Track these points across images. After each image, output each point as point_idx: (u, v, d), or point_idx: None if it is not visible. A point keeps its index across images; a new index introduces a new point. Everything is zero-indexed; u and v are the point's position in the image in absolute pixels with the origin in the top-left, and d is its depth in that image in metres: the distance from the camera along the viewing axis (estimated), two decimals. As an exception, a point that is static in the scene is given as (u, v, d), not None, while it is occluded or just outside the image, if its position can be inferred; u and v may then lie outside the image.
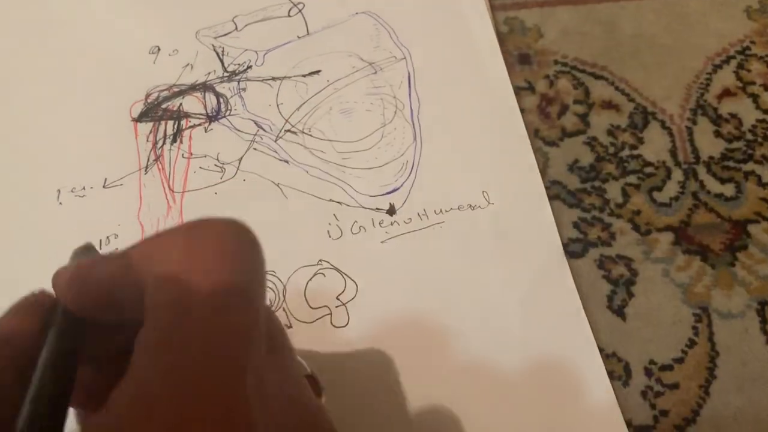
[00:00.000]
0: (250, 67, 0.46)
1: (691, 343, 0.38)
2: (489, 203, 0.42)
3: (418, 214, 0.42)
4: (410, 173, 0.43)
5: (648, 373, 0.37)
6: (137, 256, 0.22)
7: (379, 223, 0.41)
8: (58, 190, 0.42)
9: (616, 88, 0.45)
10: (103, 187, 0.42)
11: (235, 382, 0.19)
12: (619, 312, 0.39)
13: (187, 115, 0.45)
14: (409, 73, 0.46)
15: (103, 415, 0.19)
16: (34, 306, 0.24)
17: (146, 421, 0.18)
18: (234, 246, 0.21)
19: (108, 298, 0.22)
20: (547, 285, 0.39)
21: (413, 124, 0.45)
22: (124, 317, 0.22)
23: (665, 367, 0.37)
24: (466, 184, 0.43)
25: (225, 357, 0.19)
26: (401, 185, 0.43)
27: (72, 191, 0.42)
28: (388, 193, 0.42)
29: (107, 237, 0.41)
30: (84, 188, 0.42)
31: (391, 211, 0.42)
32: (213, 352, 0.19)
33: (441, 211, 0.42)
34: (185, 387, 0.18)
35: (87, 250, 0.36)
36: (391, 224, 0.41)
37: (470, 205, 0.42)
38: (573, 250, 0.40)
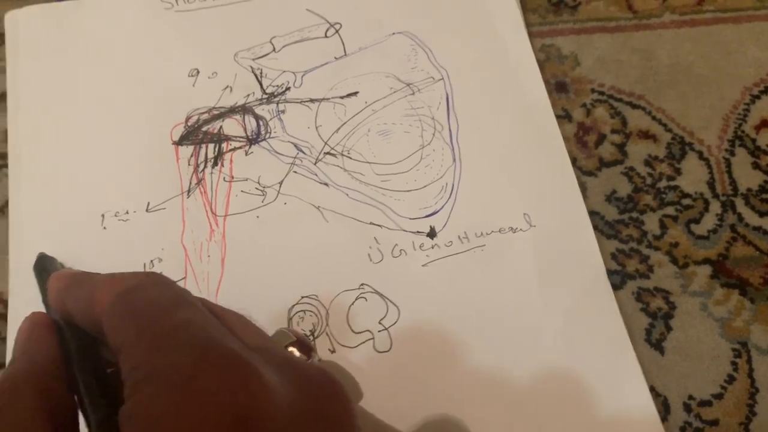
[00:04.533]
0: (288, 88, 0.47)
1: (731, 379, 0.38)
2: (531, 226, 0.42)
3: (459, 237, 0.42)
4: (450, 195, 0.43)
5: (687, 408, 0.38)
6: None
7: (420, 246, 0.42)
8: (102, 215, 0.42)
9: (653, 118, 0.46)
10: (146, 211, 0.42)
11: (235, 354, 0.21)
12: (658, 346, 0.39)
13: (227, 138, 0.45)
14: (447, 94, 0.47)
15: None
16: (40, 335, 0.27)
17: None
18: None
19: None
20: (590, 310, 0.40)
21: (452, 146, 0.45)
22: None
23: (704, 403, 0.38)
24: (507, 207, 0.43)
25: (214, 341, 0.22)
26: (441, 208, 0.43)
27: (116, 216, 0.42)
28: (428, 215, 0.43)
29: (151, 261, 0.41)
30: (127, 212, 0.42)
31: (432, 234, 0.42)
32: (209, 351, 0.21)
33: (482, 234, 0.42)
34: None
35: (44, 260, 0.37)
36: (432, 247, 0.42)
37: (511, 228, 0.42)
38: (611, 282, 0.41)
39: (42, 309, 0.36)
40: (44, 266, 0.38)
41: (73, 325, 0.27)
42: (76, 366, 0.27)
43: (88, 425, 0.25)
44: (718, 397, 0.38)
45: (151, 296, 0.24)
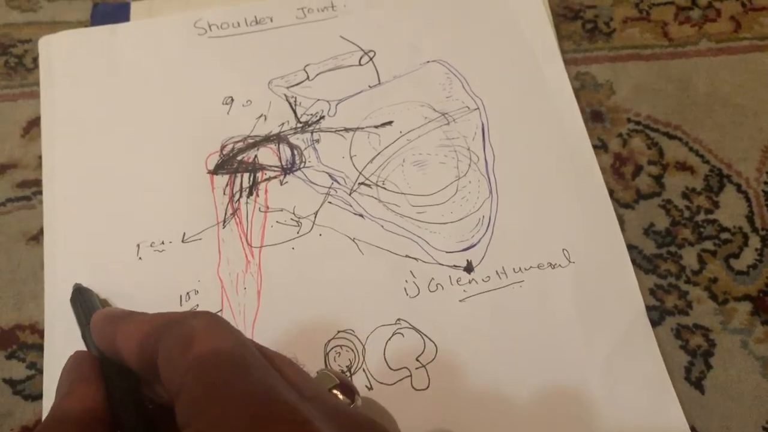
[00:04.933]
0: (322, 117, 0.46)
1: (773, 421, 0.38)
2: (570, 262, 0.42)
3: (497, 272, 0.42)
4: (487, 229, 0.43)
5: (729, 449, 0.37)
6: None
7: (457, 281, 0.42)
8: (138, 245, 0.42)
9: (690, 149, 0.45)
10: (182, 241, 0.42)
11: (289, 408, 0.21)
12: (698, 384, 0.39)
13: (262, 168, 0.45)
14: (482, 124, 0.46)
15: None
16: (84, 373, 0.28)
17: None
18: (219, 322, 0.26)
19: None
20: (629, 348, 0.39)
21: (488, 178, 0.45)
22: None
23: (747, 445, 0.38)
24: (546, 242, 0.43)
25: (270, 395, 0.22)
26: (478, 241, 0.43)
27: (151, 246, 0.42)
28: (465, 249, 0.43)
29: (187, 293, 0.41)
30: (163, 243, 0.42)
31: (469, 268, 0.42)
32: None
33: (520, 269, 0.42)
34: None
35: (81, 292, 0.37)
36: (469, 282, 0.42)
37: (550, 264, 0.42)
38: (650, 318, 0.40)
39: (79, 340, 0.36)
40: (82, 298, 0.38)
41: (116, 364, 0.28)
42: (122, 407, 0.27)
43: None
44: (761, 438, 0.38)
45: (209, 339, 0.24)
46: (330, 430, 0.22)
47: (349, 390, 0.33)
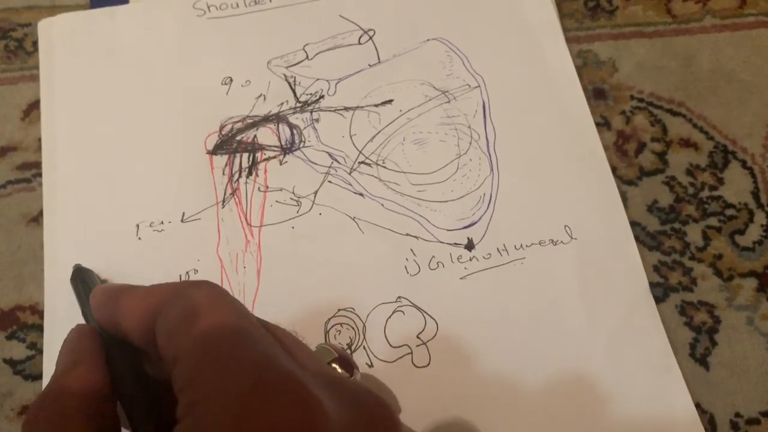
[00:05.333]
0: (322, 96, 0.46)
1: (779, 396, 0.38)
2: (572, 239, 0.41)
3: (498, 250, 0.41)
4: (488, 206, 0.43)
5: (734, 426, 0.37)
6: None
7: (458, 259, 0.41)
8: (137, 225, 0.42)
9: (694, 126, 0.45)
10: (182, 221, 0.42)
11: (291, 376, 0.21)
12: (702, 361, 0.39)
13: (261, 147, 0.44)
14: (483, 102, 0.46)
15: None
16: (87, 347, 0.27)
17: None
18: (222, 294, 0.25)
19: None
20: (633, 325, 0.39)
21: (489, 155, 0.44)
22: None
23: (752, 421, 0.37)
24: (547, 219, 0.42)
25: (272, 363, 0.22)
26: (479, 219, 0.42)
27: (150, 226, 0.42)
28: (465, 227, 0.42)
29: (187, 272, 0.41)
30: (162, 222, 0.42)
31: (470, 246, 0.42)
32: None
33: (521, 246, 0.41)
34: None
35: (81, 272, 0.37)
36: (470, 260, 0.41)
37: (552, 241, 0.41)
38: (654, 295, 0.40)
39: (80, 321, 0.36)
40: (82, 278, 0.38)
41: (118, 339, 0.27)
42: (125, 383, 0.27)
43: None
44: (767, 414, 0.37)
45: (212, 313, 0.23)
46: (329, 399, 0.21)
47: (348, 364, 0.33)
